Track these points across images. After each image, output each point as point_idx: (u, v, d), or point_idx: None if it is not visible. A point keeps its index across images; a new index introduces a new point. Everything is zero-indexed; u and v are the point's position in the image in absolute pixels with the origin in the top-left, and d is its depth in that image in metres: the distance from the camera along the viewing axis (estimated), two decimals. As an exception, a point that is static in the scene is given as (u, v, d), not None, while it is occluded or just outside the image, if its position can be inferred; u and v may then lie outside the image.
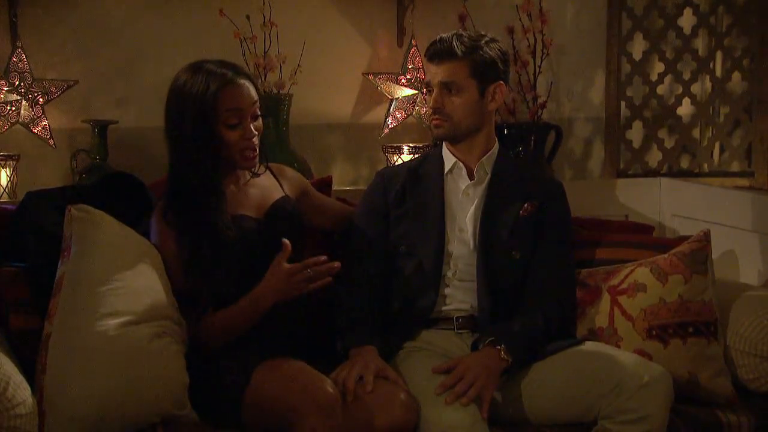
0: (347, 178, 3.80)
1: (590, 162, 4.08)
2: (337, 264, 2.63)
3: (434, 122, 2.90)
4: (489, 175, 2.94)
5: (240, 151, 2.70)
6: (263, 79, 3.51)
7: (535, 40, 3.79)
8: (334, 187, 3.32)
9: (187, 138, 2.66)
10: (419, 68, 3.72)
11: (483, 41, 2.87)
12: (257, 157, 2.75)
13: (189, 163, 2.67)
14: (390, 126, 3.75)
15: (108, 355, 2.50)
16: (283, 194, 2.88)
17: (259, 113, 2.73)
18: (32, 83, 3.42)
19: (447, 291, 2.88)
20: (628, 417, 2.61)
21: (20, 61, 3.41)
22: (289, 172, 2.99)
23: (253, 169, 2.82)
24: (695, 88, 4.11)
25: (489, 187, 2.93)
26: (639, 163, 4.08)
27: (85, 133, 3.47)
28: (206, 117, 2.64)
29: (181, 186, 2.70)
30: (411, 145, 3.70)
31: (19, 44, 3.42)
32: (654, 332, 2.88)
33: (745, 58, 4.10)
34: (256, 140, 2.72)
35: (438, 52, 2.86)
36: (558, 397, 2.72)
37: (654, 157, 4.10)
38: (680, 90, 4.10)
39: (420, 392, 2.64)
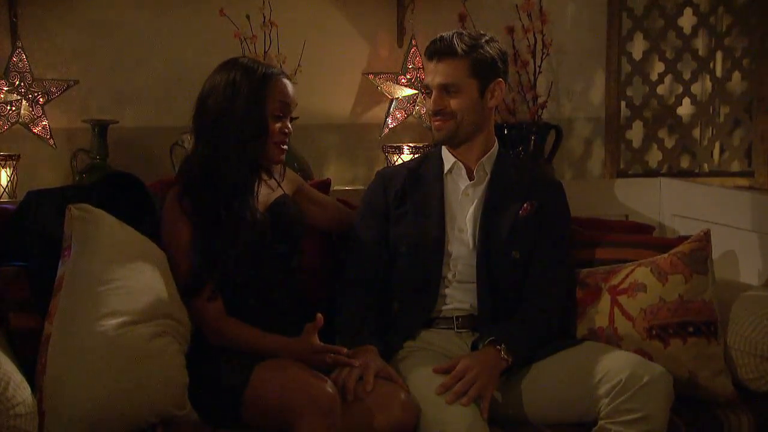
0: (347, 178, 3.80)
1: (590, 162, 4.08)
2: (357, 363, 2.66)
3: (436, 123, 2.90)
4: (489, 175, 2.94)
5: (277, 144, 2.80)
6: (263, 79, 3.51)
7: (535, 40, 3.79)
8: (334, 187, 3.32)
9: (239, 125, 2.73)
10: (419, 68, 3.72)
11: (483, 40, 2.87)
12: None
13: (235, 151, 2.73)
14: (390, 126, 3.75)
15: (108, 356, 2.51)
16: (283, 192, 2.89)
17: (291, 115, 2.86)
18: (32, 83, 3.42)
19: (447, 291, 2.88)
20: (628, 417, 2.60)
21: (20, 61, 3.41)
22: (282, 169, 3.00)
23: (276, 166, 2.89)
24: (695, 88, 4.11)
25: (489, 187, 2.93)
26: (639, 163, 4.08)
27: (85, 133, 3.47)
28: (259, 104, 2.75)
29: (212, 174, 2.74)
30: (411, 145, 3.70)
31: (19, 44, 3.42)
32: (654, 332, 2.88)
33: (745, 58, 4.09)
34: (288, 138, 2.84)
35: (438, 50, 2.86)
36: (558, 397, 2.72)
37: (654, 157, 4.10)
38: (680, 90, 4.10)
39: (420, 392, 2.64)
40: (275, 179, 2.91)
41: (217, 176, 2.74)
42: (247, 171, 2.77)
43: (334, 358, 2.64)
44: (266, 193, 2.86)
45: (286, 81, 2.82)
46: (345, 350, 2.67)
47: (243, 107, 2.74)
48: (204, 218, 2.72)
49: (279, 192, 2.89)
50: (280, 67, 3.52)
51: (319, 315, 2.65)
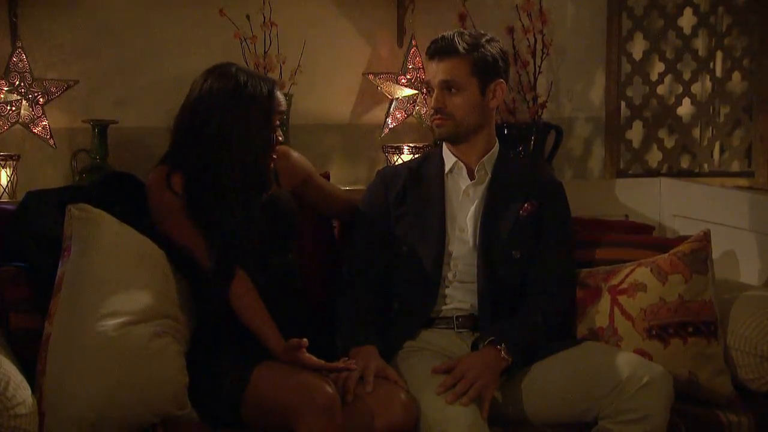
0: (347, 178, 3.80)
1: (590, 162, 4.08)
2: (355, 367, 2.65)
3: (436, 121, 2.90)
4: (489, 175, 2.94)
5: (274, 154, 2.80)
6: (263, 79, 3.51)
7: (535, 40, 3.78)
8: (334, 187, 3.32)
9: (247, 143, 2.72)
10: (419, 68, 3.72)
11: (484, 39, 2.88)
12: None
13: (239, 165, 2.72)
14: (390, 126, 3.75)
15: (108, 356, 2.51)
16: (278, 187, 2.89)
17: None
18: (32, 83, 3.42)
19: (447, 291, 2.88)
20: (628, 417, 2.61)
21: (20, 61, 3.40)
22: (294, 156, 2.99)
23: None
24: (695, 88, 4.11)
25: (489, 187, 2.93)
26: (639, 163, 4.08)
27: (85, 133, 3.47)
28: (267, 116, 2.75)
29: (213, 183, 2.72)
30: (411, 145, 3.70)
31: (19, 44, 3.41)
32: (654, 332, 2.88)
33: (745, 58, 4.09)
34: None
35: (439, 50, 2.86)
36: (558, 397, 2.72)
37: (654, 157, 4.10)
38: (680, 90, 4.09)
39: (420, 392, 2.65)
40: (276, 172, 2.91)
41: (218, 186, 2.72)
42: (248, 183, 2.74)
43: (332, 367, 2.63)
44: None
45: (278, 91, 2.80)
46: (340, 365, 2.64)
47: (255, 125, 2.72)
48: (196, 198, 2.71)
49: (274, 187, 2.88)
50: (280, 67, 3.53)
51: (305, 340, 2.60)
